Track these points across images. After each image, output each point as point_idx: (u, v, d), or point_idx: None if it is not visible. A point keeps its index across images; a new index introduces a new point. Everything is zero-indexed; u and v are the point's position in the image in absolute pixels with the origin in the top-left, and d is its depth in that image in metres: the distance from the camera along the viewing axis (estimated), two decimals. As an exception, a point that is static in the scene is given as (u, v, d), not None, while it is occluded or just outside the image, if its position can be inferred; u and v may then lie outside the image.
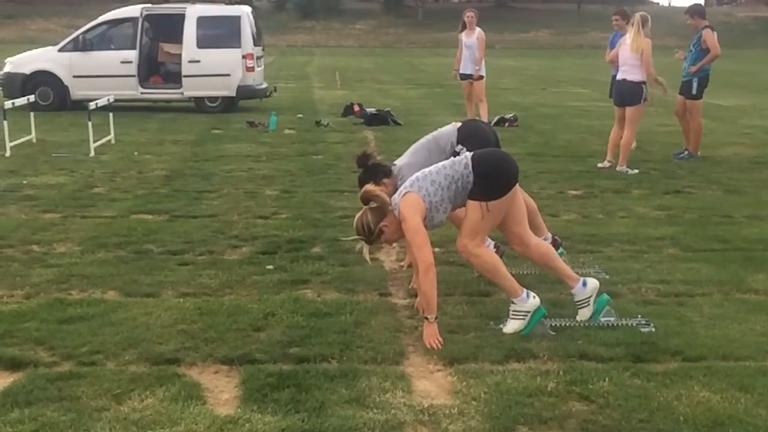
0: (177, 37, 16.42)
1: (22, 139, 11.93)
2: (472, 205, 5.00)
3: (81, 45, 16.35)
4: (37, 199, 8.51)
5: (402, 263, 6.42)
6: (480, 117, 13.81)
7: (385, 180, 5.73)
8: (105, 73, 16.09)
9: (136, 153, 11.46)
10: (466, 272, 6.12)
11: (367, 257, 5.13)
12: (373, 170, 5.82)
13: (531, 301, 5.00)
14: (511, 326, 5.00)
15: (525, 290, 5.05)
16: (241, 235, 7.17)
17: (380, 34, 59.05)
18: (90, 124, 11.29)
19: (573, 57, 42.51)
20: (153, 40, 17.05)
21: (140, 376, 4.33)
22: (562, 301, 5.42)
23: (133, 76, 16.23)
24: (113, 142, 12.29)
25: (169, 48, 16.91)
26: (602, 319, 5.08)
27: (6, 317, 5.13)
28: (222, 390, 4.24)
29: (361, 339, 4.83)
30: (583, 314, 5.15)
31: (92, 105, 11.71)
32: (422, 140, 6.36)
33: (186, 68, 16.18)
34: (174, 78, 16.59)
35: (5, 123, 9.16)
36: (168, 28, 16.72)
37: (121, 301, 5.51)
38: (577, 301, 5.17)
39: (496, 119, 14.33)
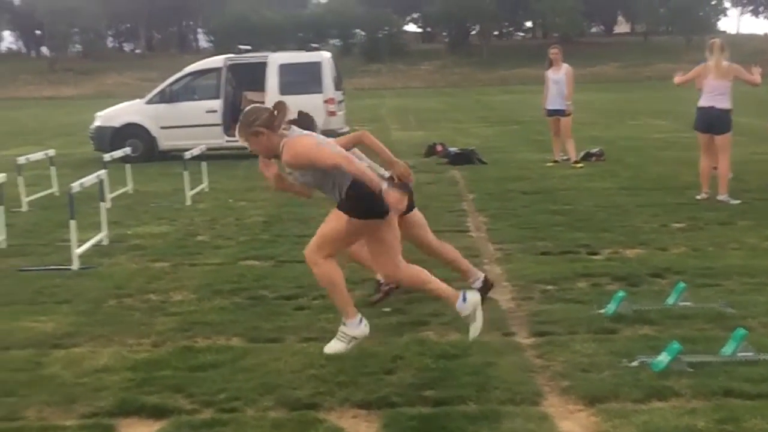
0: (259, 85, 16.73)
1: (120, 191, 12.23)
2: (337, 215, 5.17)
3: (167, 97, 16.78)
4: (145, 249, 8.68)
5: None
6: (567, 153, 13.77)
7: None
8: (191, 123, 16.46)
9: (230, 200, 11.65)
10: (585, 309, 6.06)
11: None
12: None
13: (362, 328, 5.24)
14: (333, 347, 5.20)
15: (359, 316, 5.28)
16: (349, 279, 7.16)
17: (446, 74, 59.37)
18: (186, 173, 11.53)
19: (642, 89, 42.14)
20: (236, 88, 17.40)
21: (282, 422, 4.35)
22: (696, 337, 5.32)
23: (218, 125, 16.56)
24: (207, 190, 12.52)
25: (252, 96, 17.18)
26: (740, 355, 4.96)
27: (141, 365, 5.21)
28: (364, 434, 4.24)
29: (495, 380, 4.79)
30: (475, 329, 5.41)
31: (188, 155, 11.95)
32: None
33: (269, 115, 16.42)
34: (258, 125, 16.84)
35: (105, 175, 9.41)
36: (250, 76, 17.05)
37: (247, 347, 5.56)
38: (465, 317, 5.41)
39: (582, 154, 14.24)
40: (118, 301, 6.76)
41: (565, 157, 14.06)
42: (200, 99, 17.03)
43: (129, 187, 12.61)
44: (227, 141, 16.64)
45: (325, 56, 17.18)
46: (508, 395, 4.58)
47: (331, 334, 5.75)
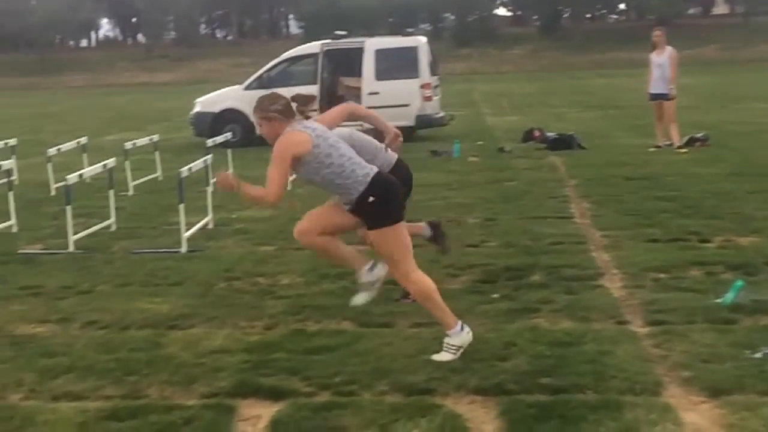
0: (356, 71, 16.80)
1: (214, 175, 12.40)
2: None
3: (265, 82, 16.96)
4: (249, 233, 8.82)
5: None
6: (671, 138, 13.46)
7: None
8: (288, 108, 16.60)
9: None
10: (701, 298, 5.91)
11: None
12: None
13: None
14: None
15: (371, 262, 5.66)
16: (456, 264, 7.18)
17: (537, 58, 58.62)
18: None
19: (744, 72, 40.83)
20: (333, 74, 17.50)
21: (399, 407, 4.36)
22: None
23: (315, 110, 16.62)
24: (306, 175, 12.61)
25: (348, 81, 17.31)
26: None
27: (256, 347, 5.29)
28: (483, 421, 4.21)
29: (613, 369, 4.71)
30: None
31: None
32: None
33: (366, 100, 16.49)
34: (354, 110, 16.92)
35: (209, 160, 9.57)
36: (347, 62, 17.14)
37: (359, 331, 5.59)
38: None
39: (686, 139, 13.90)
40: (228, 284, 6.88)
41: (668, 143, 13.74)
42: (297, 84, 17.10)
43: (230, 172, 12.77)
44: (324, 126, 16.74)
45: (421, 41, 17.16)
46: (627, 385, 4.49)
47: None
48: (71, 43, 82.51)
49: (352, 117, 6.03)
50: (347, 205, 5.29)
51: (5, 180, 9.98)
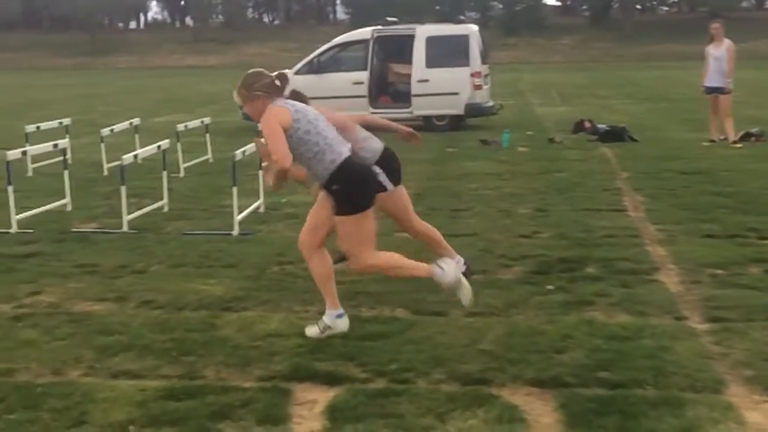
0: (406, 58, 16.76)
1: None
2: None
3: (315, 68, 16.99)
4: (300, 217, 8.72)
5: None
6: (725, 133, 13.25)
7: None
8: (338, 94, 16.58)
9: (379, 172, 11.69)
10: (761, 296, 5.81)
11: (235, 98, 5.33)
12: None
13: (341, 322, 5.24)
14: (311, 331, 5.20)
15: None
16: (508, 255, 7.13)
17: (586, 48, 58.05)
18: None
19: (798, 67, 40.05)
20: (383, 61, 17.47)
21: (456, 396, 4.34)
22: None
23: (364, 96, 16.68)
24: (356, 161, 12.61)
25: (398, 68, 17.28)
26: None
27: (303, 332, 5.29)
28: (540, 413, 4.17)
29: (672, 365, 4.64)
30: (466, 294, 5.32)
31: (339, 125, 12.06)
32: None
33: (415, 88, 16.48)
34: (403, 97, 16.92)
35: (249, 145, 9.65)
36: (397, 48, 17.12)
37: (413, 319, 5.58)
38: (449, 286, 5.30)
39: (741, 134, 13.66)
40: (281, 268, 6.89)
41: (722, 137, 13.52)
42: (347, 70, 17.19)
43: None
44: (372, 112, 16.72)
45: (472, 29, 17.06)
46: (687, 382, 4.43)
47: (495, 309, 5.72)
48: (120, 24, 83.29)
49: (366, 125, 6.21)
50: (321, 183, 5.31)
51: (60, 158, 10.11)
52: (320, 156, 5.16)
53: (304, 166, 5.32)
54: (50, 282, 6.52)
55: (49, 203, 9.24)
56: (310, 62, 17.18)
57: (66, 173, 9.43)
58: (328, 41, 18.10)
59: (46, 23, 76.07)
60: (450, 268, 5.34)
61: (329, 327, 5.24)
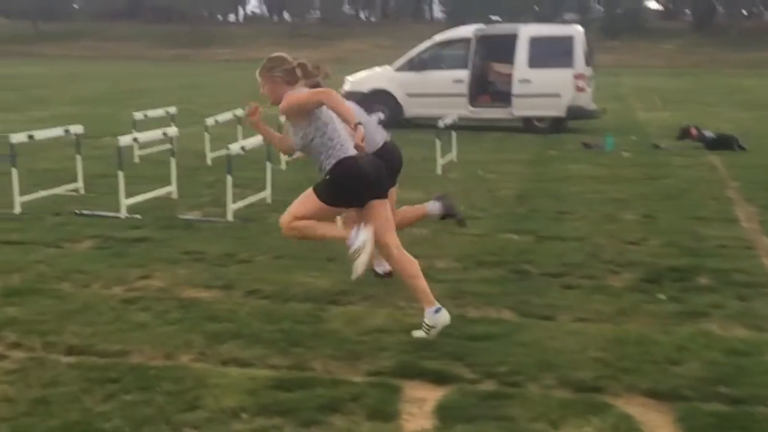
0: (507, 57, 16.60)
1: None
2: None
3: (416, 65, 16.97)
4: (402, 214, 8.79)
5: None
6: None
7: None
8: (437, 92, 16.58)
9: (480, 171, 11.61)
10: None
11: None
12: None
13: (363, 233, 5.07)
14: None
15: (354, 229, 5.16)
16: (616, 261, 6.97)
17: (689, 53, 56.60)
18: (438, 142, 11.61)
19: None
20: (484, 60, 17.34)
21: (569, 403, 4.24)
22: None
23: (464, 95, 16.59)
24: (455, 160, 12.55)
25: (499, 68, 17.13)
26: None
27: (415, 329, 5.25)
28: (658, 425, 4.05)
29: (796, 384, 4.46)
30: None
31: (441, 123, 12.02)
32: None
33: (516, 88, 16.30)
34: (503, 97, 16.76)
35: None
36: (499, 48, 16.96)
37: (520, 322, 5.49)
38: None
39: None
40: (384, 264, 6.86)
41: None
42: (448, 68, 17.11)
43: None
44: (471, 111, 16.63)
45: (578, 30, 16.81)
46: (813, 402, 4.24)
47: (605, 316, 5.59)
48: (219, 17, 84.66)
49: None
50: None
51: (166, 147, 10.30)
52: (330, 152, 5.19)
53: (312, 156, 5.33)
54: (159, 267, 6.63)
55: (155, 190, 9.41)
56: (411, 59, 17.17)
57: (173, 161, 9.59)
58: (424, 39, 18.08)
59: (148, 14, 77.84)
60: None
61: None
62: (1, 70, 39.33)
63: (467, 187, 10.43)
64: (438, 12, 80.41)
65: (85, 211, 8.63)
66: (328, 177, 5.23)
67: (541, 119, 16.57)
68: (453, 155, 12.63)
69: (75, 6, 79.78)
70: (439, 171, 11.47)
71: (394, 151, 6.37)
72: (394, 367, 4.67)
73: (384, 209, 5.33)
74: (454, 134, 12.86)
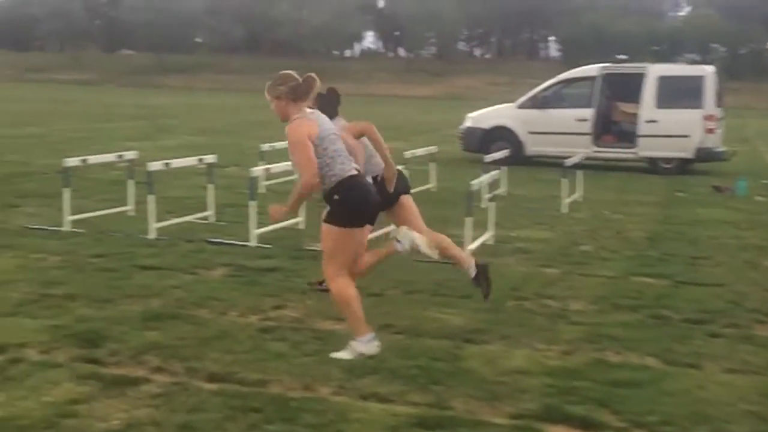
0: (633, 97, 16.31)
1: (496, 192, 12.39)
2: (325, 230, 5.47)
3: (539, 102, 16.85)
4: (530, 252, 8.67)
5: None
6: None
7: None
8: (559, 130, 16.41)
9: (606, 212, 11.37)
10: None
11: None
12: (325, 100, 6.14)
13: (371, 346, 5.27)
14: (339, 354, 5.24)
15: (372, 334, 5.36)
16: (761, 310, 6.67)
17: (815, 96, 54.69)
18: (564, 181, 11.43)
19: None
20: (609, 99, 17.09)
21: (727, 458, 4.04)
22: None
23: (588, 134, 16.36)
24: (580, 199, 12.33)
25: (625, 107, 16.84)
26: None
27: (557, 372, 5.12)
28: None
29: None
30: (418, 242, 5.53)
31: (568, 162, 11.85)
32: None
33: (642, 128, 16.00)
34: (628, 137, 16.46)
35: (496, 176, 9.63)
36: (625, 87, 16.71)
37: (665, 369, 5.28)
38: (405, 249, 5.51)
39: None
40: (517, 303, 6.74)
41: None
42: (571, 107, 16.92)
43: (503, 190, 12.74)
44: (595, 151, 16.36)
45: (708, 71, 16.40)
46: None
47: (755, 367, 5.34)
48: (336, 52, 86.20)
49: (364, 135, 6.33)
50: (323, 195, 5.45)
51: (292, 178, 10.39)
52: (326, 170, 5.32)
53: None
54: (292, 297, 6.67)
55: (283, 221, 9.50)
56: (534, 97, 17.06)
57: (301, 192, 9.68)
58: (539, 77, 17.98)
59: (266, 49, 79.93)
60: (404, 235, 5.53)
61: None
62: (129, 100, 40.94)
63: (594, 227, 10.22)
64: (554, 51, 79.95)
65: (215, 239, 8.78)
66: (336, 198, 5.35)
67: (668, 160, 16.18)
68: (578, 194, 12.42)
69: (197, 40, 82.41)
70: (564, 210, 11.27)
71: (400, 177, 6.68)
72: (537, 411, 4.54)
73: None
74: (580, 174, 12.64)
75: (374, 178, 6.51)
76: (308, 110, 5.47)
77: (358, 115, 32.49)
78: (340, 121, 6.62)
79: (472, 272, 6.49)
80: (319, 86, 5.55)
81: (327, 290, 6.14)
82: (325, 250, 5.47)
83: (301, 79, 5.44)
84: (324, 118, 5.54)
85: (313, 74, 5.50)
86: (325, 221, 5.43)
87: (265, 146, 12.78)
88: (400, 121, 33.12)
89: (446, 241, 6.61)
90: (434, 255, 5.70)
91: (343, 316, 5.56)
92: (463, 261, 6.54)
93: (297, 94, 5.41)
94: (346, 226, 5.36)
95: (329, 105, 6.56)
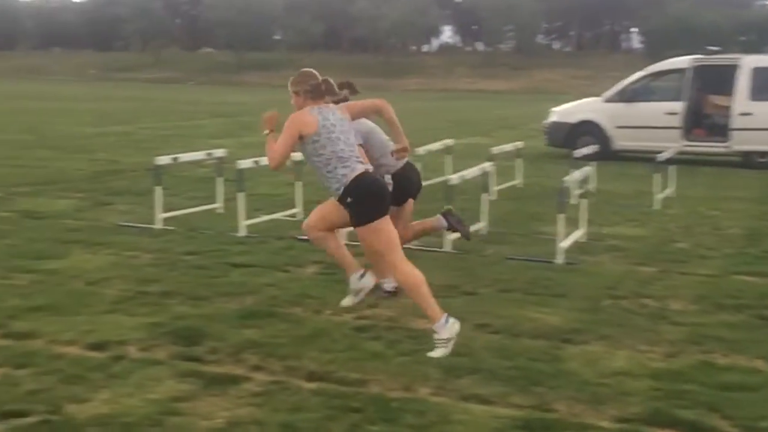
0: (726, 89, 15.85)
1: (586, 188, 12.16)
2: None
3: (626, 96, 16.50)
4: (624, 250, 8.48)
5: None
6: None
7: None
8: (648, 124, 16.05)
9: (701, 208, 11.07)
10: None
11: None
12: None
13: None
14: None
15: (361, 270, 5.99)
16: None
17: None
18: (657, 176, 11.17)
19: None
20: (700, 91, 16.64)
21: None
22: None
23: (678, 128, 15.96)
24: (673, 195, 12.02)
25: (716, 100, 16.38)
26: None
27: (662, 375, 4.96)
28: None
29: None
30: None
31: (661, 157, 11.57)
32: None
33: (736, 121, 15.54)
34: (719, 131, 16.01)
35: (587, 172, 9.44)
36: (717, 79, 16.24)
37: (776, 372, 5.09)
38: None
39: None
40: (614, 302, 6.59)
41: None
42: (660, 100, 16.54)
43: (592, 185, 12.49)
44: (685, 145, 15.95)
45: (807, 61, 15.88)
46: None
47: None
48: (413, 48, 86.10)
49: (378, 114, 6.18)
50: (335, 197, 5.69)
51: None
52: (332, 169, 5.56)
53: (316, 173, 5.73)
54: (385, 296, 6.61)
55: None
56: (622, 90, 16.71)
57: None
58: (620, 70, 17.61)
59: (344, 45, 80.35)
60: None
61: (359, 290, 6.00)
62: (209, 98, 41.58)
63: (689, 224, 9.95)
64: (636, 43, 78.48)
65: (305, 237, 8.78)
66: (349, 201, 5.57)
67: (763, 154, 15.68)
68: (670, 190, 12.11)
69: (276, 37, 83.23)
70: (656, 206, 11.00)
71: (413, 172, 6.97)
72: (644, 415, 4.41)
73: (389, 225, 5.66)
74: (673, 169, 12.33)
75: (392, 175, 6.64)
76: (320, 107, 5.67)
77: (435, 110, 32.58)
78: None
79: (443, 224, 7.03)
80: (337, 89, 5.95)
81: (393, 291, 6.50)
82: (378, 250, 5.66)
83: (320, 80, 5.72)
84: (332, 115, 5.68)
85: (328, 78, 5.81)
86: (356, 227, 5.66)
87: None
88: (481, 116, 32.95)
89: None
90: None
91: (415, 302, 5.57)
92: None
93: (315, 93, 5.71)
94: (372, 221, 5.53)
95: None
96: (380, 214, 5.55)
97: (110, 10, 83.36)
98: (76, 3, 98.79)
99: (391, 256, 5.55)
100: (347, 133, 5.69)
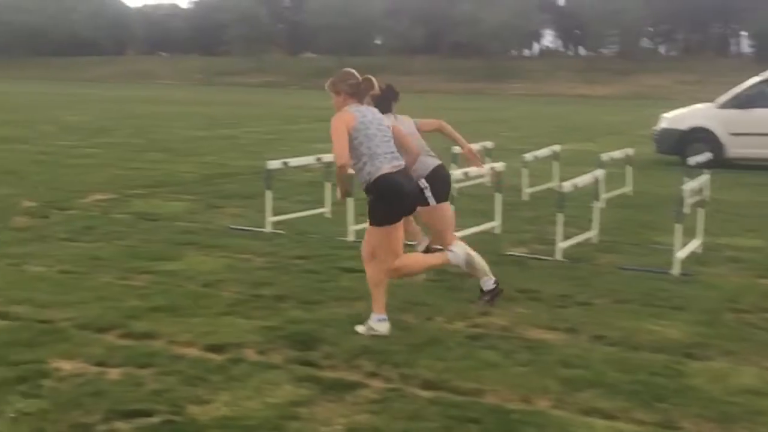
0: None
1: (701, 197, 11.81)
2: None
3: (742, 102, 15.96)
4: (743, 262, 8.20)
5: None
6: None
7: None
8: (766, 131, 15.48)
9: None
10: None
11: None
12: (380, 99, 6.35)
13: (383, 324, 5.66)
14: (358, 328, 5.69)
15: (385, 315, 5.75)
16: None
17: None
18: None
19: None
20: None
21: None
22: None
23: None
24: (792, 205, 11.60)
25: None
26: None
27: None
28: None
29: None
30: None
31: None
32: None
33: None
34: None
35: (704, 180, 9.16)
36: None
37: None
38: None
39: None
40: (736, 316, 6.36)
41: None
42: (776, 106, 15.97)
43: (705, 194, 12.11)
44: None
45: None
46: None
47: None
48: (514, 52, 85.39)
49: (440, 131, 7.05)
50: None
51: (481, 180, 10.31)
52: (361, 165, 5.66)
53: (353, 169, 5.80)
54: (498, 304, 6.53)
55: (477, 225, 9.36)
56: (737, 96, 16.16)
57: (498, 196, 9.52)
58: (730, 75, 17.01)
59: (445, 49, 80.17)
60: (459, 249, 6.04)
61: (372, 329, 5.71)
62: (311, 102, 42.00)
63: None
64: (746, 47, 76.06)
65: (410, 242, 8.76)
66: (370, 198, 5.73)
67: None
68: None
69: (377, 42, 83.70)
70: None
71: (442, 174, 6.92)
72: (774, 436, 4.23)
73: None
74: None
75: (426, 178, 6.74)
76: (359, 105, 5.80)
77: (540, 115, 32.31)
78: (390, 118, 6.59)
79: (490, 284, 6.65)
80: (376, 88, 5.96)
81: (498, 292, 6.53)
82: (378, 250, 5.73)
83: (360, 79, 5.81)
84: (371, 113, 5.80)
85: (371, 76, 5.90)
86: (370, 224, 5.79)
87: (456, 148, 12.69)
88: (585, 122, 32.44)
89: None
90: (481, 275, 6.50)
91: (371, 292, 5.81)
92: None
93: (356, 92, 5.81)
94: (384, 224, 5.66)
95: (384, 101, 6.61)
96: (395, 219, 5.69)
97: (215, 16, 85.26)
98: (183, 9, 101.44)
99: (386, 262, 5.72)
100: (384, 130, 5.81)
